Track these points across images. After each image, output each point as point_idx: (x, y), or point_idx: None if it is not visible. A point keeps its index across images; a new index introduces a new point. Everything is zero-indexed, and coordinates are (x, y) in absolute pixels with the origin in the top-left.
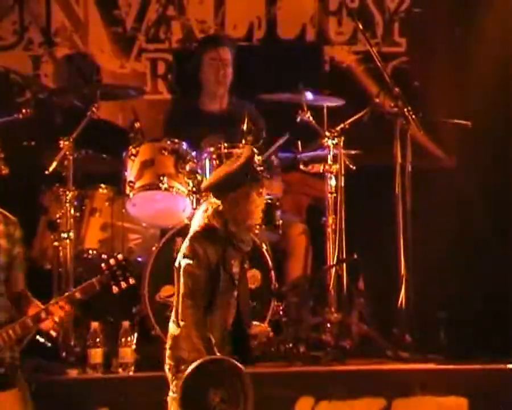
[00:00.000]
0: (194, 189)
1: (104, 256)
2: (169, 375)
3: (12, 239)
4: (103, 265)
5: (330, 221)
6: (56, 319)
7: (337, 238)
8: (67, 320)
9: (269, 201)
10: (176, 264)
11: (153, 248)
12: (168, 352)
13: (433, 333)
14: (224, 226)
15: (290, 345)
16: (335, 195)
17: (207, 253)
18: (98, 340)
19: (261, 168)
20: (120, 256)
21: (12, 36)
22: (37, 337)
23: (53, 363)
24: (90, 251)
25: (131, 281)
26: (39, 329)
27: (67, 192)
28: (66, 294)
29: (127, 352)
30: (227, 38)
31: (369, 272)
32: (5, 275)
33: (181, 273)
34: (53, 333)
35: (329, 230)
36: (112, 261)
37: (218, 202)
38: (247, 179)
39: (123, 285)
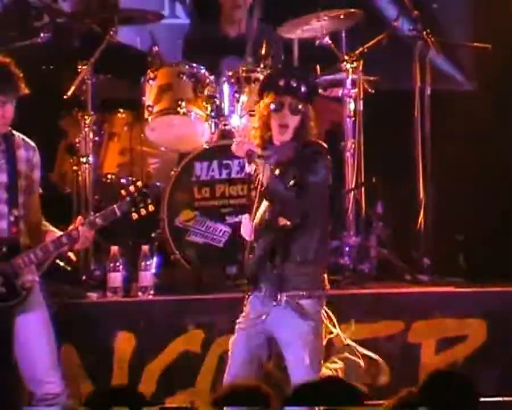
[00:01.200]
0: (212, 113)
1: (123, 181)
2: None
3: (32, 164)
4: (123, 191)
5: (349, 145)
6: (77, 245)
7: (355, 162)
8: (87, 246)
9: None
10: None
11: (172, 172)
12: None
13: (452, 256)
14: None
15: None
16: (354, 119)
17: None
18: (117, 264)
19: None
20: (140, 183)
21: None
22: (58, 261)
23: (73, 287)
24: (109, 176)
25: (151, 208)
26: (60, 253)
27: (86, 117)
28: (87, 219)
29: (147, 276)
30: None
31: (388, 196)
32: (24, 200)
33: None
34: (73, 257)
35: (348, 154)
36: (132, 188)
37: None
38: None
39: (143, 212)
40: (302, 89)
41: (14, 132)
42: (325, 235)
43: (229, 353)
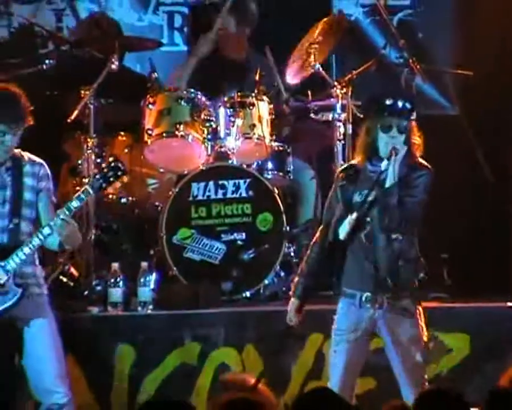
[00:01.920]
0: (209, 136)
1: (123, 200)
2: None
3: (38, 176)
4: (95, 170)
5: (340, 166)
6: (60, 231)
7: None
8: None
9: (280, 148)
10: None
11: (170, 193)
12: None
13: (437, 273)
14: None
15: None
16: (343, 142)
17: None
18: (118, 280)
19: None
20: (111, 158)
21: None
22: (61, 277)
23: (76, 301)
24: (110, 196)
25: (124, 178)
26: (63, 269)
27: (89, 140)
28: (57, 212)
29: (145, 292)
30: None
31: None
32: (31, 212)
33: None
34: (75, 273)
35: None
36: (103, 165)
37: None
38: None
39: (116, 183)
40: (407, 107)
41: (22, 152)
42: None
43: None
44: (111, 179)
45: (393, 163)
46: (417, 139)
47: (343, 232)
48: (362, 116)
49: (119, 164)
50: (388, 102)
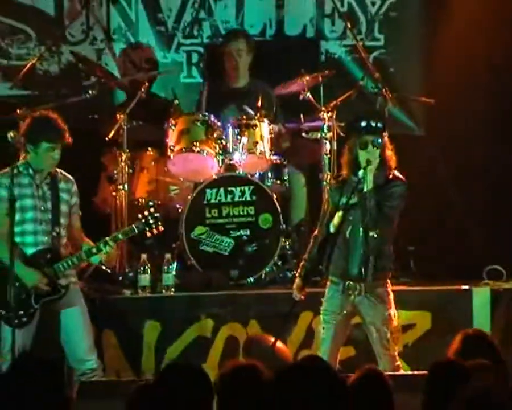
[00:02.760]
0: (220, 151)
1: (150, 203)
2: None
3: (70, 192)
4: (139, 215)
5: (325, 176)
6: (104, 254)
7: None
8: (114, 255)
9: (278, 161)
10: None
11: (188, 197)
12: None
13: (406, 262)
14: None
15: (294, 272)
16: (329, 156)
17: None
18: (146, 268)
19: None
20: (152, 209)
21: (80, 34)
22: (101, 266)
23: (112, 285)
24: (140, 200)
25: (160, 228)
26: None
27: (123, 154)
28: (112, 235)
29: (169, 277)
30: (241, 32)
31: None
32: (66, 221)
33: None
34: (112, 263)
35: (325, 183)
36: (146, 212)
37: None
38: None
39: (154, 232)
40: (380, 127)
41: (57, 169)
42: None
43: None
44: (152, 228)
45: (368, 172)
46: (389, 153)
47: (332, 226)
48: (344, 135)
49: (159, 217)
50: (363, 123)
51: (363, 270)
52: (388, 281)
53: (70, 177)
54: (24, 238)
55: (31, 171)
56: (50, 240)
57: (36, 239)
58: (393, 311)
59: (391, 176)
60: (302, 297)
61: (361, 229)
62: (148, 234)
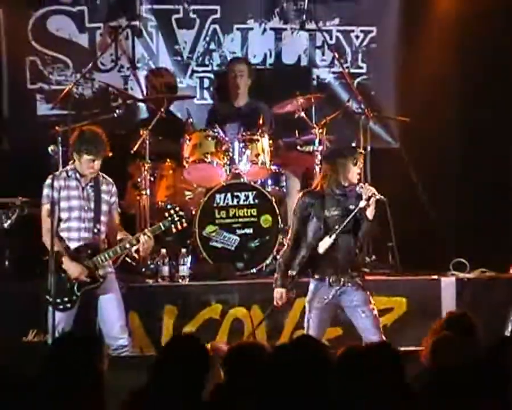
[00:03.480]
0: (227, 162)
1: (169, 206)
2: None
3: (110, 193)
4: (166, 213)
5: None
6: (141, 251)
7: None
8: (148, 250)
9: (276, 170)
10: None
11: (201, 201)
12: None
13: (385, 256)
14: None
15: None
16: (320, 166)
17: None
18: (165, 261)
19: None
20: (178, 208)
21: (110, 63)
22: (127, 259)
23: (137, 275)
24: (160, 203)
25: (184, 224)
26: (128, 254)
27: (145, 164)
28: (144, 230)
29: (184, 269)
30: (243, 58)
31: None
32: (106, 219)
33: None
34: (136, 256)
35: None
36: (172, 211)
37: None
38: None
39: (179, 227)
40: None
41: (99, 173)
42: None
43: None
44: (177, 224)
45: (364, 187)
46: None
47: (322, 249)
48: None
49: (183, 215)
50: (353, 144)
51: (348, 265)
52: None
53: (111, 180)
54: (70, 233)
55: (77, 175)
56: (91, 236)
57: (79, 235)
58: (369, 295)
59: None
60: (289, 299)
61: (351, 235)
62: (174, 230)
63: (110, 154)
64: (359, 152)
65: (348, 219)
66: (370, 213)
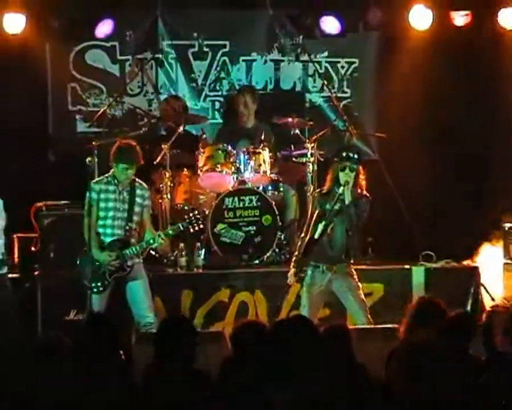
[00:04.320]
0: (235, 171)
1: (186, 208)
2: None
3: (143, 197)
4: (185, 216)
5: (309, 189)
6: (158, 244)
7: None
8: (165, 246)
9: (275, 178)
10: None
11: (213, 203)
12: None
13: (366, 249)
14: None
15: (288, 256)
16: (312, 174)
17: None
18: (183, 253)
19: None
20: (196, 212)
21: (137, 89)
22: (151, 252)
23: (159, 265)
24: (178, 205)
25: (201, 226)
26: (152, 248)
27: (166, 173)
28: (164, 231)
29: (199, 260)
30: (249, 89)
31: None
32: (138, 218)
33: None
34: (159, 250)
35: (308, 194)
36: (191, 214)
37: None
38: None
39: (196, 228)
40: (355, 157)
41: (136, 179)
42: None
43: None
44: (195, 225)
45: (346, 190)
46: (362, 177)
47: (317, 233)
48: (323, 160)
49: (200, 218)
50: (344, 153)
51: (340, 255)
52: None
53: (146, 186)
54: (105, 229)
55: (116, 181)
56: (123, 233)
57: (113, 231)
58: (358, 281)
59: (362, 193)
60: (296, 282)
61: (342, 228)
62: (191, 230)
63: (142, 163)
64: (345, 160)
65: (333, 204)
66: (346, 198)
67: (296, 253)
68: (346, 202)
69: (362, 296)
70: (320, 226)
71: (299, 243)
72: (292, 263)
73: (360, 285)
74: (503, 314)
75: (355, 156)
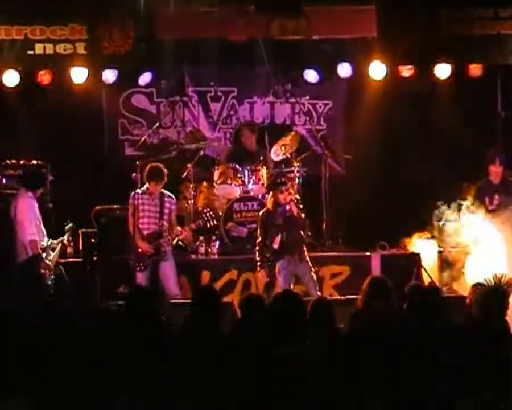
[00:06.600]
0: (241, 183)
1: (205, 210)
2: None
3: (171, 205)
4: (204, 215)
5: (298, 197)
6: (185, 234)
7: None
8: (190, 236)
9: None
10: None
11: (224, 207)
12: None
13: (336, 241)
14: None
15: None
16: (297, 186)
17: None
18: (202, 243)
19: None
20: (212, 212)
21: (169, 123)
22: (179, 243)
23: (185, 252)
24: (199, 208)
25: (215, 222)
26: (179, 240)
27: (190, 185)
28: (190, 225)
29: (213, 249)
30: (251, 126)
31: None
32: (167, 217)
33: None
34: (185, 242)
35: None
36: (208, 214)
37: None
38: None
39: (211, 223)
40: (284, 181)
41: (163, 190)
42: None
43: None
44: (210, 222)
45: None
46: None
47: (276, 243)
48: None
49: (214, 216)
50: (278, 180)
51: (297, 249)
52: (305, 252)
53: (172, 195)
54: (143, 226)
55: (149, 192)
56: (157, 228)
57: (149, 227)
58: (312, 267)
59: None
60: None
61: (297, 231)
62: (208, 225)
63: (166, 180)
64: (281, 184)
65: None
66: (294, 212)
67: (261, 258)
68: (295, 214)
69: (314, 277)
70: (278, 238)
71: (261, 249)
72: (260, 264)
73: (312, 269)
74: None
75: (284, 180)
